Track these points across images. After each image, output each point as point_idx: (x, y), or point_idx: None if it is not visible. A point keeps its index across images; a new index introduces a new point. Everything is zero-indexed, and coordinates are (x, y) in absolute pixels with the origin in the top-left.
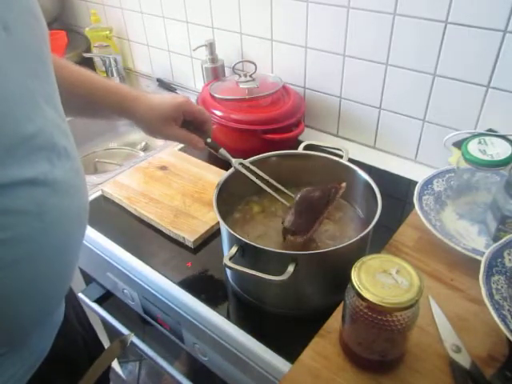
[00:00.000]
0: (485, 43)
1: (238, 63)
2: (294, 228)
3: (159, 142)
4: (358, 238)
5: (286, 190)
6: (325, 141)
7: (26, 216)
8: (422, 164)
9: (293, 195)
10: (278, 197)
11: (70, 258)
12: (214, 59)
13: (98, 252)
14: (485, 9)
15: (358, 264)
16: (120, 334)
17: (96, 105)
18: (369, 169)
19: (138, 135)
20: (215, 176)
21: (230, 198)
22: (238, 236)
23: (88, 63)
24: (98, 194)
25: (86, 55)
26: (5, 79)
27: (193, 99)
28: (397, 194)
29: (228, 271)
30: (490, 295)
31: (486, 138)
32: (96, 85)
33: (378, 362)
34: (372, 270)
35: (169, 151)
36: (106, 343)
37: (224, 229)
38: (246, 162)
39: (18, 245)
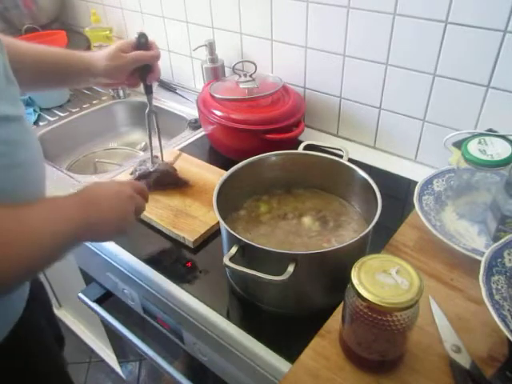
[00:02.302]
0: (485, 43)
1: (237, 63)
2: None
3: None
4: (358, 237)
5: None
6: (325, 141)
7: (18, 144)
8: (422, 164)
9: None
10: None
11: (42, 181)
12: (213, 59)
13: (98, 252)
14: (485, 9)
15: (358, 264)
16: (120, 333)
17: (62, 70)
18: (369, 169)
19: (138, 135)
20: (215, 176)
21: (236, 194)
22: (238, 236)
23: None
24: None
25: None
26: None
27: (193, 99)
28: (397, 194)
29: (228, 271)
30: (490, 295)
31: (486, 138)
32: (58, 55)
33: (378, 362)
34: (372, 270)
35: (169, 151)
36: (106, 343)
37: (224, 228)
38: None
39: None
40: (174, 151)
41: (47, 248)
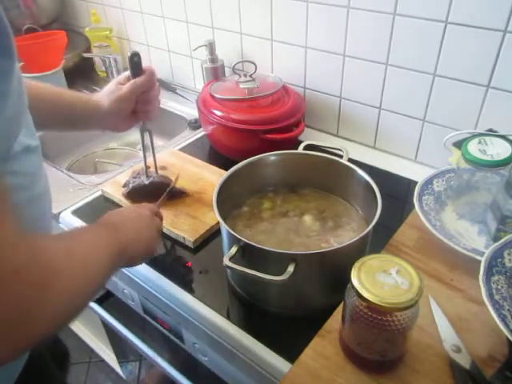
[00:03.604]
0: (485, 43)
1: (238, 63)
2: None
3: (159, 142)
4: (358, 237)
5: None
6: (325, 141)
7: (36, 176)
8: (422, 164)
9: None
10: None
11: (50, 211)
12: (213, 59)
13: None
14: (485, 9)
15: (357, 264)
16: (120, 333)
17: (75, 116)
18: (369, 169)
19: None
20: (215, 176)
21: (237, 193)
22: (237, 236)
23: (88, 63)
24: (98, 193)
25: (86, 55)
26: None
27: (193, 99)
28: (397, 194)
29: (228, 271)
30: (490, 295)
31: (486, 138)
32: (70, 99)
33: (378, 362)
34: (372, 270)
35: (169, 151)
36: (106, 343)
37: (224, 228)
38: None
39: (42, 197)
40: (175, 151)
41: (94, 279)
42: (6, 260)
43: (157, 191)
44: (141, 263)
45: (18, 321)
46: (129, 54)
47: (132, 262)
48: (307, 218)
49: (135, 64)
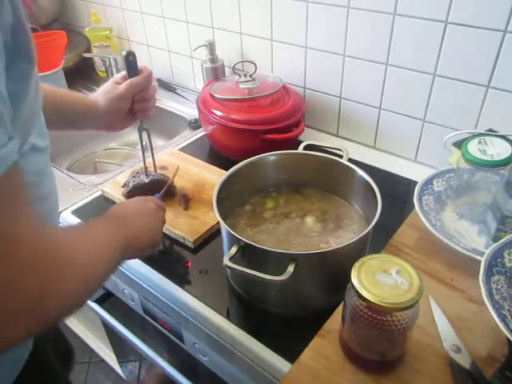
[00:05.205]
0: (485, 43)
1: (237, 63)
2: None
3: (159, 142)
4: (358, 238)
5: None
6: (325, 141)
7: (44, 175)
8: (422, 164)
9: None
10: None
11: (57, 210)
12: (213, 59)
13: None
14: (485, 9)
15: (357, 264)
16: (120, 333)
17: (72, 115)
18: (369, 169)
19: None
20: (215, 176)
21: (237, 194)
22: (237, 236)
23: (88, 63)
24: (98, 193)
25: (86, 55)
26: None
27: (193, 99)
28: (397, 193)
29: (228, 271)
30: (490, 295)
31: (486, 138)
32: (67, 98)
33: (378, 362)
34: (372, 270)
35: (169, 151)
36: (106, 343)
37: (224, 228)
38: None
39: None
40: (175, 151)
41: (102, 269)
42: (22, 252)
43: (156, 189)
44: (146, 254)
45: (32, 308)
46: (124, 54)
47: (139, 253)
48: (309, 220)
49: (130, 63)
